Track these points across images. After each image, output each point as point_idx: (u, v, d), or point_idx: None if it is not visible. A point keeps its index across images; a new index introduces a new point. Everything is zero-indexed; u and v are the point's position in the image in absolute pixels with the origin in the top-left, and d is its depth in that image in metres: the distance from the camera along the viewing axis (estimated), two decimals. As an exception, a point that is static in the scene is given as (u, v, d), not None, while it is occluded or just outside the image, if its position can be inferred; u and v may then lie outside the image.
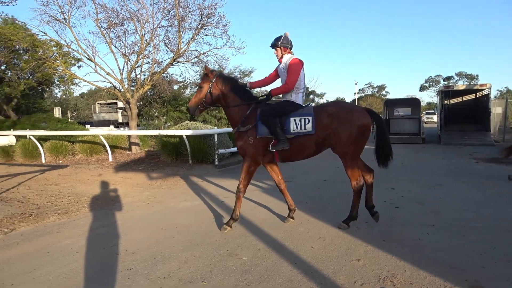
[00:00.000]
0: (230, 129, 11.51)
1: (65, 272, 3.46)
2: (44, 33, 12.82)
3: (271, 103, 4.74)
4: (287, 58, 4.62)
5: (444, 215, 5.00)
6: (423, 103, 53.32)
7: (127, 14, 12.60)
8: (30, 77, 24.42)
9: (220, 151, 10.06)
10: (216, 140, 9.92)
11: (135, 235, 4.53)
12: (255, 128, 4.47)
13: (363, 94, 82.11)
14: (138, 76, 13.51)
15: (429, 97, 72.79)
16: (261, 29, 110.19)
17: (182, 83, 20.36)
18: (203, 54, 13.27)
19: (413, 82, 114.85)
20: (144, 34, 13.05)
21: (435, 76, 75.13)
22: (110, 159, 11.77)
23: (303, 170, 9.45)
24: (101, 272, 3.45)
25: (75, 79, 25.46)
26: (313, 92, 77.07)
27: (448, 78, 71.38)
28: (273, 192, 6.81)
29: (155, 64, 13.33)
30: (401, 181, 7.50)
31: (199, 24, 12.48)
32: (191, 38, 12.87)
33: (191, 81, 16.81)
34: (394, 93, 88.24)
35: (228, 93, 4.63)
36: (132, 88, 13.90)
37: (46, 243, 4.31)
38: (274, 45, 4.67)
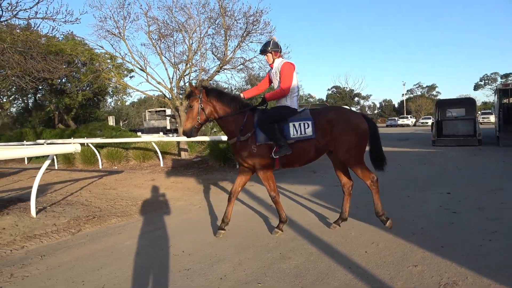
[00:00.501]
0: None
1: (129, 271, 3.69)
2: (101, 47, 13.71)
3: (267, 109, 4.70)
4: (278, 62, 4.66)
5: (508, 221, 4.70)
6: (478, 103, 50.24)
7: (176, 25, 13.17)
8: (87, 88, 26.16)
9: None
10: (262, 145, 10.02)
11: (189, 237, 4.71)
12: (254, 135, 4.42)
13: (411, 95, 78.91)
14: (187, 84, 14.00)
15: (485, 96, 68.80)
16: (306, 29, 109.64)
17: (227, 89, 20.79)
18: (248, 60, 13.53)
19: (467, 81, 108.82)
20: (192, 44, 13.55)
21: (491, 73, 70.73)
22: (162, 165, 12.28)
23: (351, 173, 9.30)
24: (161, 271, 3.63)
25: (127, 89, 27.08)
26: (358, 95, 75.42)
27: (506, 76, 66.84)
28: (321, 196, 6.78)
29: (202, 72, 13.79)
30: (457, 185, 7.15)
31: (245, 31, 12.73)
32: (237, 46, 13.16)
33: (237, 87, 17.10)
34: (445, 93, 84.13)
35: (219, 105, 4.52)
36: (181, 96, 14.44)
37: (110, 244, 4.60)
38: (263, 51, 4.70)
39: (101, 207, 6.41)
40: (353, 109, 40.70)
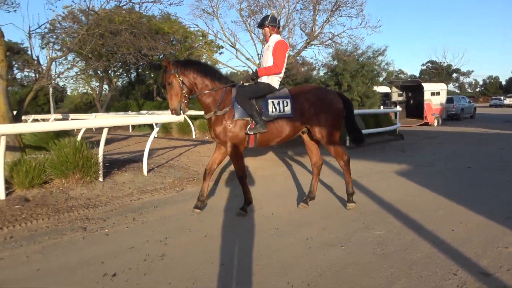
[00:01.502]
0: (363, 111, 11.44)
1: (225, 225, 4.24)
2: (196, 25, 14.64)
3: (245, 85, 4.60)
4: (274, 38, 4.53)
5: None
6: None
7: (265, 1, 13.44)
8: (181, 64, 28.05)
9: (352, 132, 10.13)
10: (348, 121, 10.01)
11: (277, 202, 5.14)
12: (231, 111, 4.33)
13: (523, 72, 69.18)
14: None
15: None
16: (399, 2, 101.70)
17: (312, 65, 20.66)
18: (337, 35, 13.32)
19: None
20: (280, 20, 13.73)
21: None
22: (248, 137, 12.96)
23: (443, 155, 8.90)
24: (253, 228, 4.11)
25: (217, 64, 28.46)
26: (457, 71, 68.48)
27: None
28: (408, 175, 6.70)
29: (290, 48, 13.95)
30: None
31: (334, 5, 12.53)
32: (325, 20, 13.04)
33: (323, 63, 16.94)
34: None
35: (197, 78, 4.35)
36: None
37: (208, 202, 5.24)
38: (261, 25, 4.61)
39: (198, 171, 7.17)
40: (451, 86, 37.33)
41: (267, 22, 4.52)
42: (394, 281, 2.88)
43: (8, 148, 5.80)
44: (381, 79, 21.38)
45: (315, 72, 21.66)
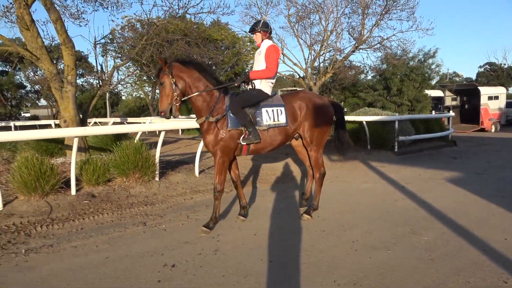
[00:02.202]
0: (413, 116, 11.17)
1: (273, 225, 4.44)
2: (245, 32, 14.99)
3: (239, 92, 4.46)
4: (266, 43, 4.38)
5: None
6: None
7: (313, 6, 13.57)
8: (229, 69, 28.81)
9: (401, 138, 9.96)
10: (397, 126, 9.85)
11: (323, 205, 5.23)
12: (225, 119, 4.14)
13: None
14: (321, 65, 14.41)
15: None
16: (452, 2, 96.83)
17: (360, 69, 20.43)
18: (386, 39, 13.11)
19: None
20: (328, 24, 13.79)
21: None
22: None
23: (498, 163, 8.49)
24: (300, 229, 4.27)
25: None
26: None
27: None
28: (459, 182, 6.52)
29: (337, 52, 13.95)
30: None
31: (384, 9, 12.36)
32: (375, 24, 12.90)
33: (371, 67, 16.70)
34: None
35: (191, 79, 4.12)
36: (315, 76, 14.94)
37: (256, 204, 5.48)
38: (253, 30, 4.43)
39: (247, 174, 7.46)
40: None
41: (258, 27, 4.36)
42: (440, 285, 2.92)
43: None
44: (433, 82, 20.63)
45: (362, 76, 21.44)
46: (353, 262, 3.37)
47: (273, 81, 4.42)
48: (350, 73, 16.02)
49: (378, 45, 13.33)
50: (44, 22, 7.95)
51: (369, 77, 19.97)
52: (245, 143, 4.17)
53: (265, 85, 4.35)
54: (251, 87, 4.38)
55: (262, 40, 4.39)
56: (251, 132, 4.12)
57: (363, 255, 3.52)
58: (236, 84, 4.55)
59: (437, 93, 19.50)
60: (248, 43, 24.30)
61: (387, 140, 10.15)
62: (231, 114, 4.12)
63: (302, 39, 14.33)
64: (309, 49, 14.29)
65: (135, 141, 6.59)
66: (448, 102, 19.50)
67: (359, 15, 13.06)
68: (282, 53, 14.67)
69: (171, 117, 4.09)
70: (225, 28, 22.59)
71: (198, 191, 6.14)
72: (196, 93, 4.10)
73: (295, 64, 14.56)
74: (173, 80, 4.02)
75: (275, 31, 16.80)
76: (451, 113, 13.36)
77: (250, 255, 3.57)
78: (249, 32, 4.58)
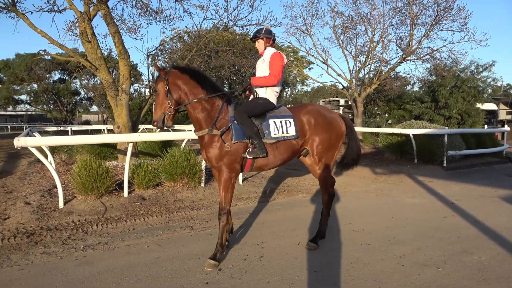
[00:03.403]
0: (464, 130, 10.70)
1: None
2: (290, 43, 15.12)
3: (243, 101, 4.08)
4: (270, 50, 4.10)
5: None
6: None
7: (359, 17, 13.44)
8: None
9: (450, 152, 9.57)
10: (446, 140, 9.49)
11: (367, 219, 5.18)
12: (230, 131, 3.77)
13: None
14: (366, 76, 14.20)
15: None
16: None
17: (407, 80, 19.90)
18: (436, 50, 12.69)
19: None
20: (374, 35, 13.59)
21: None
22: (336, 153, 12.96)
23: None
24: (344, 242, 4.25)
25: (307, 79, 28.86)
26: None
27: None
28: (517, 201, 6.17)
29: (383, 63, 13.68)
30: None
31: (434, 19, 12.00)
32: (424, 35, 12.53)
33: (420, 78, 16.21)
34: None
35: (188, 85, 3.74)
36: (359, 87, 14.73)
37: (298, 213, 5.51)
38: (255, 37, 4.18)
39: (288, 183, 7.51)
40: None
41: (261, 34, 4.11)
42: (495, 307, 2.80)
43: (126, 153, 6.82)
44: (485, 95, 19.62)
45: (408, 87, 20.86)
46: (401, 277, 3.31)
47: (278, 90, 4.10)
48: (396, 84, 15.62)
49: (427, 56, 12.93)
50: (103, 36, 8.52)
51: (416, 89, 19.38)
52: (250, 157, 3.78)
53: (270, 94, 4.03)
54: (253, 97, 4.06)
55: (265, 48, 4.14)
56: (257, 145, 3.77)
57: (411, 271, 3.44)
58: (237, 93, 4.21)
59: (490, 106, 18.52)
60: (291, 54, 24.47)
61: (435, 155, 9.78)
62: (237, 125, 3.77)
63: (347, 50, 14.23)
64: (354, 60, 14.13)
65: (182, 147, 6.87)
66: (503, 116, 18.43)
67: (408, 25, 12.77)
68: (326, 63, 14.62)
69: (164, 127, 3.76)
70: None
71: (241, 198, 6.27)
72: (194, 100, 3.72)
73: (339, 75, 14.45)
74: (166, 87, 3.66)
75: (320, 42, 16.77)
76: (506, 128, 12.63)
77: (294, 264, 3.61)
78: (251, 39, 4.34)
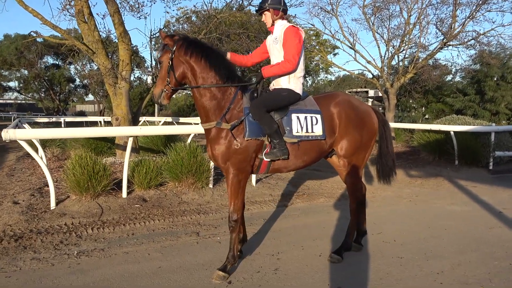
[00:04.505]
0: (510, 127, 10.46)
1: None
2: (312, 25, 15.05)
3: (260, 91, 3.79)
4: (280, 25, 3.77)
5: None
6: None
7: (393, -5, 13.27)
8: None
9: (497, 153, 9.38)
10: (493, 139, 9.30)
11: (400, 228, 5.12)
12: (243, 125, 3.60)
13: None
14: (400, 63, 14.02)
15: None
16: None
17: (447, 69, 19.55)
18: (482, 34, 12.43)
19: None
20: (410, 16, 13.40)
21: None
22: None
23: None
24: (373, 253, 4.21)
25: (331, 67, 28.63)
26: None
27: None
28: None
29: (421, 49, 13.49)
30: None
31: (481, -2, 11.76)
32: (468, 16, 12.28)
33: (463, 67, 15.91)
34: None
35: (198, 66, 3.55)
36: (392, 76, 14.57)
37: (320, 220, 5.48)
38: (260, 8, 3.82)
39: (309, 186, 7.48)
40: None
41: (267, 4, 3.74)
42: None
43: (126, 148, 6.89)
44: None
45: (449, 77, 20.50)
46: (438, 297, 3.26)
47: (303, 74, 3.85)
48: (434, 73, 15.37)
49: (473, 41, 12.69)
50: (102, 16, 8.61)
51: (458, 79, 19.04)
52: (268, 159, 3.66)
53: (295, 83, 3.79)
54: (270, 89, 3.88)
55: (273, 22, 3.80)
56: (277, 145, 3.59)
57: (451, 290, 3.39)
58: (254, 84, 3.82)
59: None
60: (313, 37, 24.30)
61: (480, 155, 9.60)
62: (252, 119, 3.59)
63: (378, 33, 14.13)
64: (386, 45, 14.00)
65: (187, 143, 6.91)
66: None
67: (450, 5, 12.55)
68: (353, 49, 14.48)
69: (159, 104, 3.74)
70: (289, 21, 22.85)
71: (254, 202, 6.28)
72: (202, 86, 3.55)
73: (368, 62, 14.32)
74: (170, 62, 3.51)
75: (347, 24, 16.62)
76: None
77: (315, 278, 3.59)
78: (256, 12, 4.05)
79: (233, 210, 3.67)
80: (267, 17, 3.81)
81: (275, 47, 3.83)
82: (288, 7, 4.02)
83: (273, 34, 3.85)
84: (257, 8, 3.98)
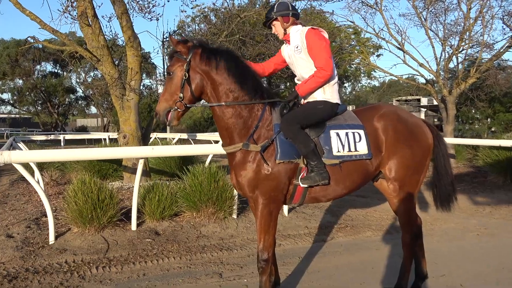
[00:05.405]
0: None
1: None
2: (352, 22, 15.04)
3: (288, 104, 3.73)
4: (296, 31, 3.80)
5: None
6: None
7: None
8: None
9: None
10: None
11: (467, 269, 4.95)
12: (274, 146, 3.55)
13: None
14: (460, 66, 13.82)
15: None
16: None
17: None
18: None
19: None
20: (470, 9, 13.22)
21: None
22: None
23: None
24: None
25: (373, 71, 28.52)
26: None
27: None
28: None
29: (485, 49, 13.26)
30: None
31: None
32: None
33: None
34: None
35: (221, 79, 3.53)
36: (450, 81, 14.36)
37: (367, 258, 5.36)
38: (268, 19, 3.89)
39: (352, 216, 7.36)
40: None
41: (273, 13, 3.82)
42: None
43: (135, 171, 6.98)
44: None
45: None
46: None
47: (335, 80, 3.87)
48: (502, 76, 15.02)
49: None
50: (108, 18, 8.84)
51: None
52: (305, 185, 3.61)
53: (331, 92, 3.80)
54: (302, 102, 3.91)
55: (285, 30, 3.86)
56: (315, 168, 3.54)
57: None
58: (288, 102, 3.75)
59: None
60: (352, 36, 24.29)
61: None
62: (283, 138, 3.57)
63: (432, 30, 13.94)
64: (442, 44, 13.79)
65: (206, 164, 6.94)
66: None
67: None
68: (402, 49, 14.34)
69: (167, 124, 3.73)
70: (319, 16, 22.90)
71: (287, 235, 6.22)
72: (225, 103, 3.55)
73: (420, 64, 14.11)
74: (186, 74, 3.47)
75: (393, 21, 16.49)
76: None
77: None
78: (264, 25, 4.14)
79: (263, 248, 3.62)
80: (277, 27, 3.89)
81: (298, 57, 3.84)
82: (298, 11, 4.06)
83: (290, 43, 3.90)
84: (264, 21, 4.07)
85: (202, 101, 3.80)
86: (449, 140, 12.86)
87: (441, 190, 4.28)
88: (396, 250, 5.62)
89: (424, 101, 32.77)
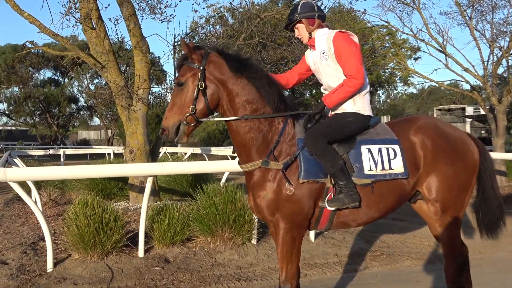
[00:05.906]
0: None
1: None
2: (386, 22, 15.01)
3: (314, 116, 3.71)
4: (322, 35, 3.76)
5: None
6: None
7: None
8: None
9: None
10: None
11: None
12: (296, 163, 3.51)
13: None
14: (511, 71, 13.66)
15: None
16: None
17: None
18: None
19: None
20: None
21: None
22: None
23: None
24: None
25: (411, 76, 28.31)
26: None
27: None
28: None
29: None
30: None
31: None
32: None
33: None
34: None
35: (240, 90, 3.51)
36: (499, 87, 14.19)
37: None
38: (290, 22, 3.85)
39: (388, 242, 7.27)
40: None
41: (297, 15, 3.79)
42: None
43: (142, 190, 7.01)
44: None
45: None
46: None
47: (367, 89, 3.85)
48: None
49: None
50: (115, 21, 8.97)
51: None
52: (332, 208, 3.54)
53: (362, 103, 3.77)
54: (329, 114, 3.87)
55: (310, 34, 3.83)
56: (344, 188, 3.49)
57: None
58: (313, 114, 3.75)
59: None
60: (386, 37, 24.20)
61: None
62: (308, 154, 3.53)
63: (478, 30, 13.83)
64: (490, 45, 13.65)
65: (222, 183, 6.93)
66: None
67: None
68: (443, 52, 14.25)
69: (177, 141, 3.65)
70: (349, 15, 22.89)
71: (314, 265, 6.17)
72: (243, 117, 3.53)
73: (465, 69, 13.98)
74: (201, 84, 3.43)
75: (433, 20, 16.34)
76: None
77: None
78: (286, 28, 4.21)
79: (285, 279, 3.57)
80: (300, 30, 3.86)
81: (325, 64, 3.83)
82: (325, 11, 4.02)
83: (315, 48, 3.87)
84: (286, 24, 4.05)
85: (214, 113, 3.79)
86: (499, 155, 12.68)
87: (487, 214, 4.16)
88: (439, 282, 5.53)
89: (469, 110, 32.43)
